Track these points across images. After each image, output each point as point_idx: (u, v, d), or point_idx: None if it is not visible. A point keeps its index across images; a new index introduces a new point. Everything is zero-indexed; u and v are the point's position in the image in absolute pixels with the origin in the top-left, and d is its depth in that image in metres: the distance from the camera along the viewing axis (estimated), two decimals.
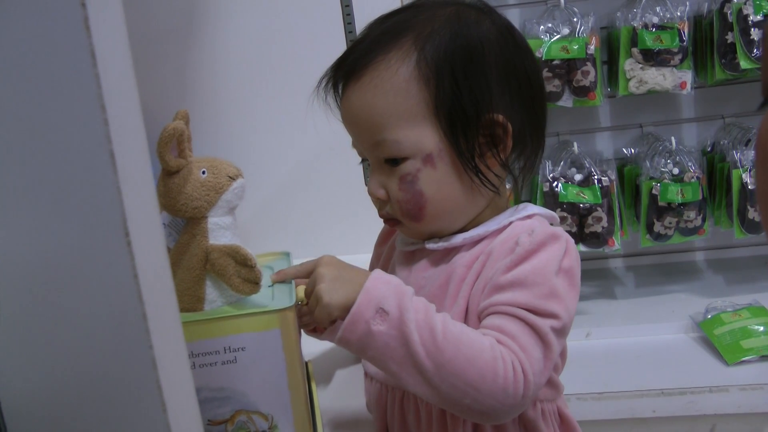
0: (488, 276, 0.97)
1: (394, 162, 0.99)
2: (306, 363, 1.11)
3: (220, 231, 0.98)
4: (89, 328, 0.50)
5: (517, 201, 1.21)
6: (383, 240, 1.20)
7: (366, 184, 1.86)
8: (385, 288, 0.91)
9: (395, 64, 0.97)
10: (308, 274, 0.99)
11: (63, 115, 0.47)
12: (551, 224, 1.03)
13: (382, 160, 1.00)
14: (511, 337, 0.90)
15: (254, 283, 0.94)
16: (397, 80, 0.97)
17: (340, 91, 1.03)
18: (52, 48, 0.47)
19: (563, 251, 0.97)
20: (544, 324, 0.91)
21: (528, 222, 1.01)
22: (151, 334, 0.48)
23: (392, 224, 1.05)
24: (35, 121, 0.48)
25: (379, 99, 0.97)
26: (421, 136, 0.97)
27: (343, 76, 1.02)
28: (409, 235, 1.07)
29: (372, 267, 1.19)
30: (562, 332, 0.94)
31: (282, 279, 1.03)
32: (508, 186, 1.09)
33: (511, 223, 1.01)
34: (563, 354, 1.07)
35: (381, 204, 1.03)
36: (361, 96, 0.99)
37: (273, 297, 0.98)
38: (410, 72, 0.97)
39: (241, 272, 0.94)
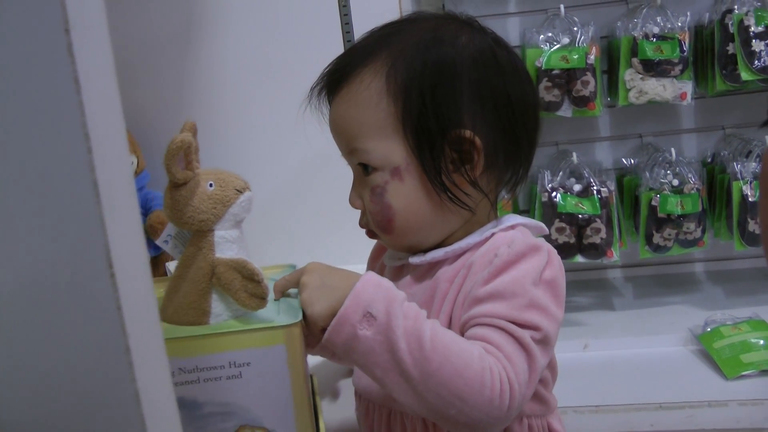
0: (468, 289, 0.96)
1: (366, 171, 1.00)
2: (310, 376, 1.10)
3: (226, 244, 0.97)
4: (71, 360, 0.49)
5: (516, 211, 1.21)
6: (375, 256, 1.20)
7: None
8: (375, 291, 0.90)
9: (368, 78, 0.99)
10: (297, 283, 0.99)
11: (45, 144, 0.46)
12: (537, 235, 1.03)
13: (360, 171, 1.02)
14: (497, 346, 0.90)
15: (261, 298, 0.94)
16: (369, 93, 0.98)
17: (329, 99, 1.06)
18: (34, 75, 0.46)
19: (544, 262, 0.96)
20: (525, 334, 0.91)
21: (510, 233, 1.01)
22: (135, 367, 0.47)
23: (370, 235, 1.07)
24: (16, 150, 0.47)
25: (352, 110, 0.99)
26: (390, 149, 0.98)
27: (328, 85, 1.04)
28: (387, 246, 1.08)
29: None
30: (544, 343, 0.93)
31: (276, 292, 1.02)
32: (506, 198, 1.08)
33: (493, 234, 1.01)
34: (554, 369, 1.06)
35: (361, 214, 1.04)
36: (338, 105, 1.02)
37: (279, 312, 0.98)
38: (381, 86, 0.98)
39: (247, 287, 0.94)
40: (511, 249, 0.95)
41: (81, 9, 0.46)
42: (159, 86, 1.92)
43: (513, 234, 1.00)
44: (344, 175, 1.84)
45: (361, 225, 1.06)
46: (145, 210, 1.81)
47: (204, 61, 1.90)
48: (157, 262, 1.80)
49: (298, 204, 1.95)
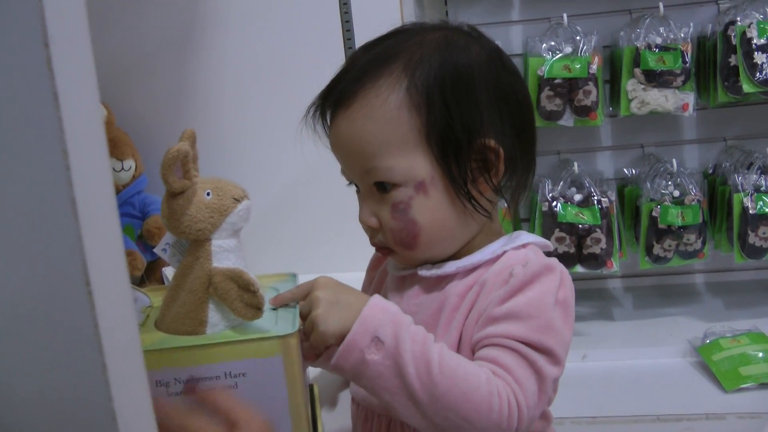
0: (482, 307, 0.96)
1: (384, 189, 0.97)
2: (311, 386, 1.09)
3: (223, 254, 0.96)
4: (47, 379, 0.48)
5: (516, 221, 1.20)
6: (375, 264, 1.19)
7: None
8: (382, 316, 0.90)
9: (385, 92, 0.96)
10: (305, 296, 0.97)
11: (23, 160, 0.45)
12: (545, 253, 1.02)
13: (373, 188, 0.99)
14: (507, 369, 0.90)
15: (257, 309, 0.93)
16: (388, 108, 0.95)
17: (328, 120, 1.02)
18: (12, 89, 0.45)
19: (558, 282, 0.96)
20: (539, 358, 0.91)
21: (522, 252, 1.00)
22: (111, 386, 0.46)
23: (385, 253, 1.04)
24: None
25: (369, 127, 0.96)
26: (413, 164, 0.96)
27: (332, 104, 1.00)
28: (402, 262, 1.05)
29: (364, 291, 1.17)
30: (555, 364, 0.93)
31: (279, 303, 1.01)
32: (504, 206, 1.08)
33: (505, 252, 1.00)
34: (554, 384, 1.06)
35: (373, 232, 1.02)
36: (350, 124, 0.97)
37: (276, 322, 0.97)
38: (401, 99, 0.95)
39: (243, 297, 0.93)
40: (527, 269, 0.94)
41: (61, 22, 0.46)
42: (157, 90, 1.92)
43: (526, 253, 0.99)
44: (343, 182, 1.84)
45: (375, 244, 1.03)
46: (143, 214, 1.80)
47: (203, 65, 1.89)
48: (154, 267, 1.79)
49: (297, 211, 1.94)
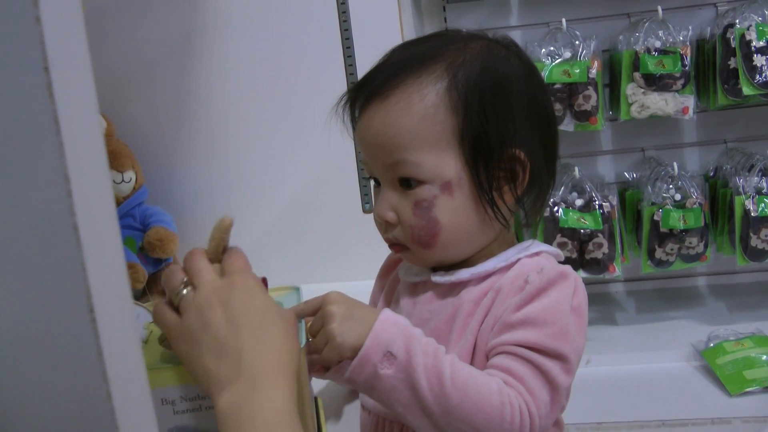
0: (498, 314, 0.96)
1: (409, 185, 0.98)
2: (315, 398, 1.08)
3: None
4: (52, 407, 0.48)
5: (517, 227, 1.20)
6: (385, 273, 1.19)
7: (363, 210, 1.85)
8: (394, 330, 0.90)
9: (425, 89, 0.97)
10: (314, 312, 0.97)
11: (24, 186, 0.45)
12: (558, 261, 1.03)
13: (396, 182, 1.00)
14: (519, 379, 0.90)
15: None
16: (426, 105, 0.96)
17: (357, 111, 1.03)
18: (12, 115, 0.45)
19: (573, 290, 0.97)
20: (553, 367, 0.91)
21: (536, 259, 1.01)
22: (116, 414, 0.46)
23: (397, 249, 1.04)
24: None
25: (404, 120, 0.97)
26: (442, 163, 0.97)
27: (367, 95, 1.01)
28: (413, 261, 1.06)
29: (373, 300, 1.18)
30: (567, 372, 0.94)
31: None
32: None
33: (519, 260, 1.00)
34: (568, 392, 1.06)
35: (387, 227, 1.02)
36: (385, 115, 0.98)
37: None
38: (440, 98, 0.96)
39: None
40: (542, 276, 0.95)
41: (61, 46, 0.45)
42: (157, 101, 1.91)
43: (540, 260, 1.00)
44: (349, 191, 1.83)
45: (388, 239, 1.04)
46: (144, 226, 1.80)
47: (202, 74, 1.89)
48: (156, 279, 1.79)
49: (302, 220, 1.94)
